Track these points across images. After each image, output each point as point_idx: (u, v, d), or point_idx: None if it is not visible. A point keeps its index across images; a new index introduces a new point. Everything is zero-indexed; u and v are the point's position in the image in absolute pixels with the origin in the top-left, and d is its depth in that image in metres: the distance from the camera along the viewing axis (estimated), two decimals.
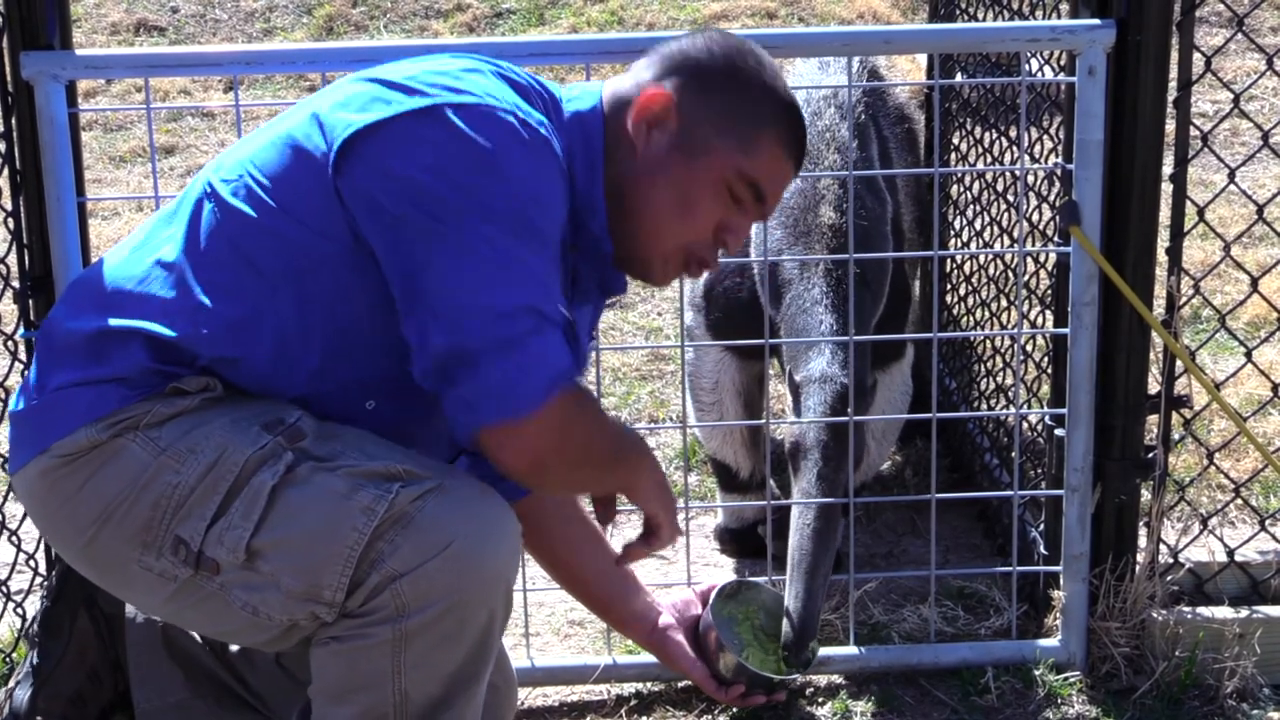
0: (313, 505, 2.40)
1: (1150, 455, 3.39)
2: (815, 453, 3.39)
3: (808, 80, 4.22)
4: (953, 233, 4.80)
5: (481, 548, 2.41)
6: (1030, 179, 3.93)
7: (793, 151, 2.65)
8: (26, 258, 3.27)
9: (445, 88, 2.42)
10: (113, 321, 2.49)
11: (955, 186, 4.82)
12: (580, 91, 2.65)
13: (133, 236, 2.63)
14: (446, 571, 2.37)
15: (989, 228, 4.45)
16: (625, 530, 4.20)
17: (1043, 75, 3.79)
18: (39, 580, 3.53)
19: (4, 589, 3.45)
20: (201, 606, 2.48)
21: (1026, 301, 3.78)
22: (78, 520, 2.48)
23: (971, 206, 4.62)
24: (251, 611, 2.44)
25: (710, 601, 3.26)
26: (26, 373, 2.64)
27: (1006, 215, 4.27)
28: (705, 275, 3.91)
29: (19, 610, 3.45)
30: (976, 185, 4.59)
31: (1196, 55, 3.29)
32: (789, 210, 3.73)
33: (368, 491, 2.39)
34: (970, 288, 4.64)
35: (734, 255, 3.66)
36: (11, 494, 3.43)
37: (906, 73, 7.30)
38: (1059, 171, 3.41)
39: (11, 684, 2.99)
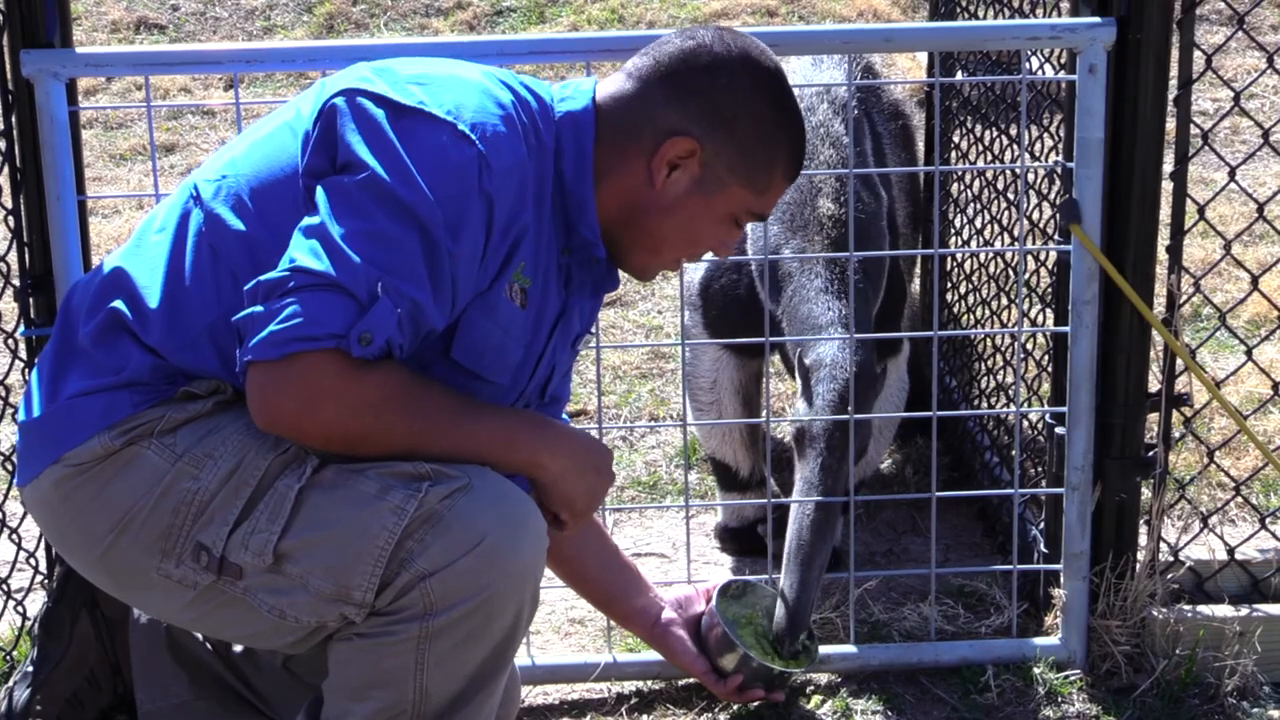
0: (342, 507, 2.40)
1: (1150, 453, 3.39)
2: (820, 442, 3.39)
3: (801, 76, 4.21)
4: (953, 231, 4.80)
5: (511, 544, 2.42)
6: (1031, 177, 3.92)
7: (796, 172, 2.74)
8: (27, 256, 3.27)
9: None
10: (111, 325, 2.50)
11: (956, 184, 4.82)
12: (573, 90, 2.66)
13: (131, 236, 2.64)
14: (477, 569, 2.38)
15: (989, 226, 4.45)
16: (626, 528, 4.21)
17: (1043, 73, 3.79)
18: (39, 579, 3.53)
19: (4, 587, 3.45)
20: (223, 611, 2.49)
21: (1027, 300, 3.78)
22: (94, 529, 2.48)
23: (972, 204, 4.62)
24: (279, 615, 2.44)
25: (714, 599, 3.27)
26: (30, 377, 2.62)
27: (1007, 213, 4.27)
28: (702, 273, 3.94)
29: (19, 608, 3.45)
30: (977, 183, 4.58)
31: (1197, 53, 3.29)
32: (785, 205, 3.73)
33: (397, 492, 2.39)
34: (970, 286, 4.64)
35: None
36: (12, 492, 3.44)
37: (907, 70, 7.30)
38: (1059, 169, 3.41)
39: (10, 684, 2.99)
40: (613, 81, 2.67)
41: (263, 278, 2.34)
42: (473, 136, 2.42)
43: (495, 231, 2.46)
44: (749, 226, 3.79)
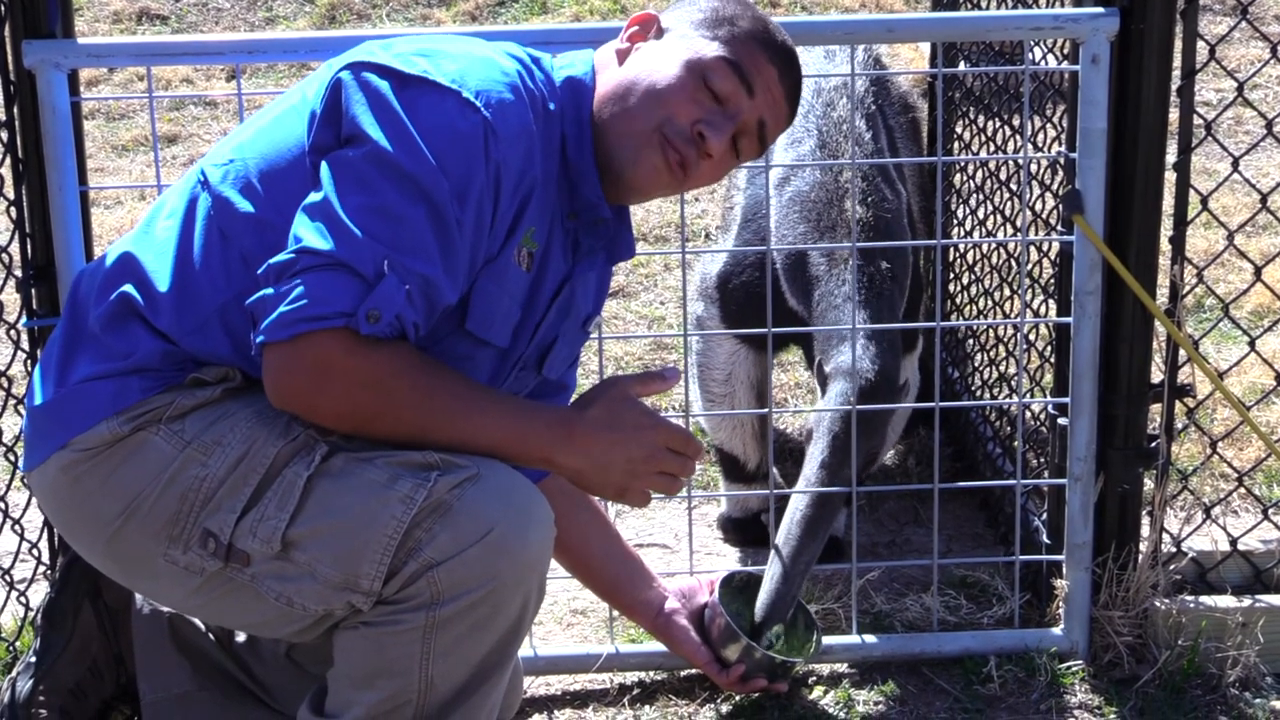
0: (350, 495, 2.41)
1: (1153, 444, 3.39)
2: (823, 440, 3.39)
3: (812, 69, 4.22)
4: (956, 222, 4.80)
5: (519, 536, 2.42)
6: (1033, 168, 3.92)
7: (775, 53, 2.65)
8: (29, 246, 3.27)
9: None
10: (121, 310, 2.50)
11: (958, 175, 4.82)
12: (572, 59, 2.68)
13: (140, 223, 2.64)
14: (484, 559, 2.38)
15: (992, 216, 4.45)
16: (629, 519, 4.21)
17: (1046, 64, 3.78)
18: (42, 569, 3.53)
19: (7, 577, 3.46)
20: (230, 598, 2.49)
21: (1030, 290, 3.78)
22: (101, 516, 2.48)
23: (975, 195, 4.61)
24: (286, 602, 2.45)
25: (717, 590, 3.28)
26: (35, 366, 2.63)
27: (1010, 204, 4.26)
28: (720, 267, 3.91)
29: (22, 599, 3.45)
30: (980, 174, 4.58)
31: (1200, 43, 3.29)
32: (811, 204, 3.73)
33: (406, 480, 2.40)
34: (973, 276, 4.64)
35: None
36: (15, 482, 3.44)
37: (909, 61, 7.29)
38: (1062, 160, 3.40)
39: (13, 674, 3.00)
40: (609, 44, 2.72)
41: (272, 260, 2.35)
42: (478, 104, 2.42)
43: (503, 197, 2.47)
44: (772, 223, 3.78)
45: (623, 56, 2.66)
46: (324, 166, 2.40)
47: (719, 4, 2.67)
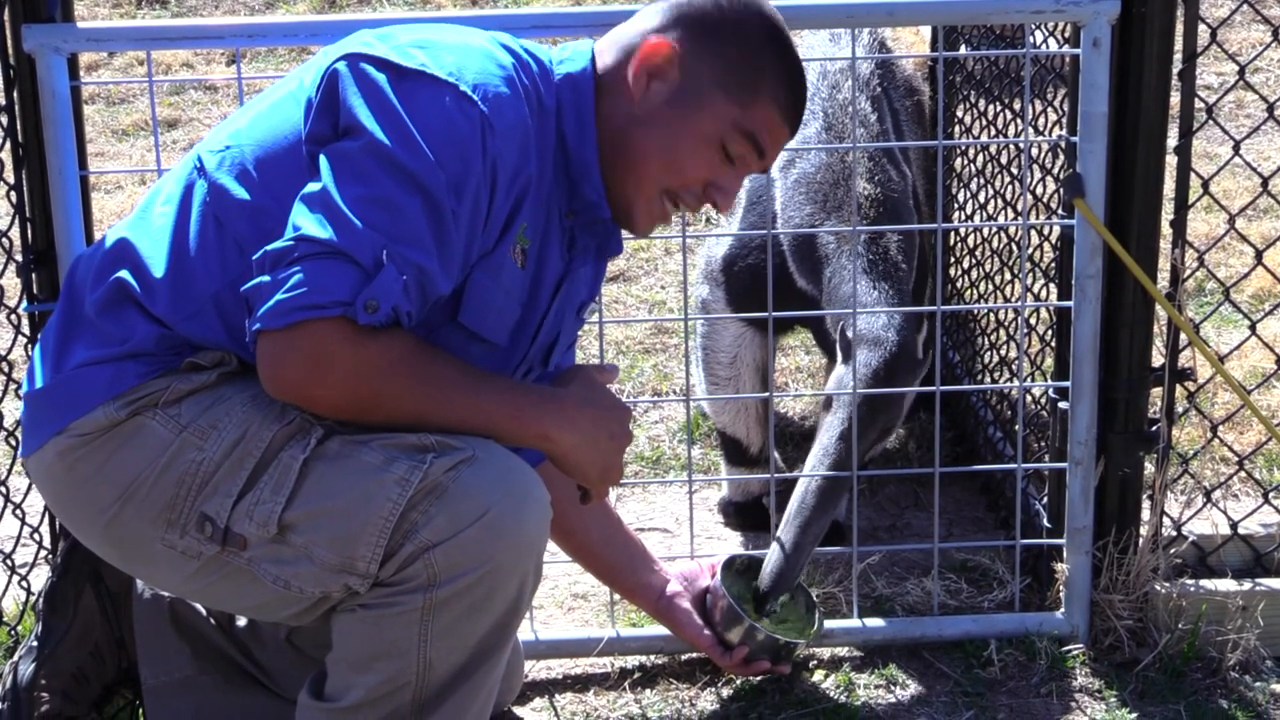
0: (346, 478, 2.41)
1: (1154, 428, 3.39)
2: (844, 411, 3.38)
3: (819, 52, 4.21)
4: (957, 205, 4.80)
5: (515, 517, 2.42)
6: (1034, 152, 3.91)
7: (790, 113, 2.67)
8: (29, 231, 3.27)
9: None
10: (117, 296, 2.50)
11: (959, 159, 4.81)
12: (571, 52, 2.67)
13: (136, 208, 2.64)
14: (481, 541, 2.39)
15: (993, 201, 4.44)
16: (630, 503, 4.21)
17: (1047, 47, 3.78)
18: (43, 553, 3.54)
19: (9, 562, 3.46)
20: (227, 583, 2.49)
21: (1030, 274, 3.78)
22: (98, 501, 2.49)
23: (975, 179, 4.61)
24: (283, 585, 2.45)
25: (719, 574, 3.28)
26: (34, 350, 2.63)
27: (1011, 188, 4.26)
28: (725, 250, 3.92)
29: (24, 583, 3.46)
30: (980, 158, 4.58)
31: (1201, 27, 3.28)
32: (817, 185, 3.72)
33: (401, 463, 2.40)
34: (974, 261, 4.64)
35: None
36: (16, 467, 3.44)
37: (910, 45, 7.27)
38: (1063, 144, 3.40)
39: (15, 659, 3.00)
40: (612, 33, 2.69)
41: (269, 247, 2.35)
42: (475, 97, 2.42)
43: (499, 192, 2.47)
44: (778, 205, 3.78)
45: (639, 83, 2.61)
46: (322, 159, 2.40)
47: (748, 51, 2.62)
